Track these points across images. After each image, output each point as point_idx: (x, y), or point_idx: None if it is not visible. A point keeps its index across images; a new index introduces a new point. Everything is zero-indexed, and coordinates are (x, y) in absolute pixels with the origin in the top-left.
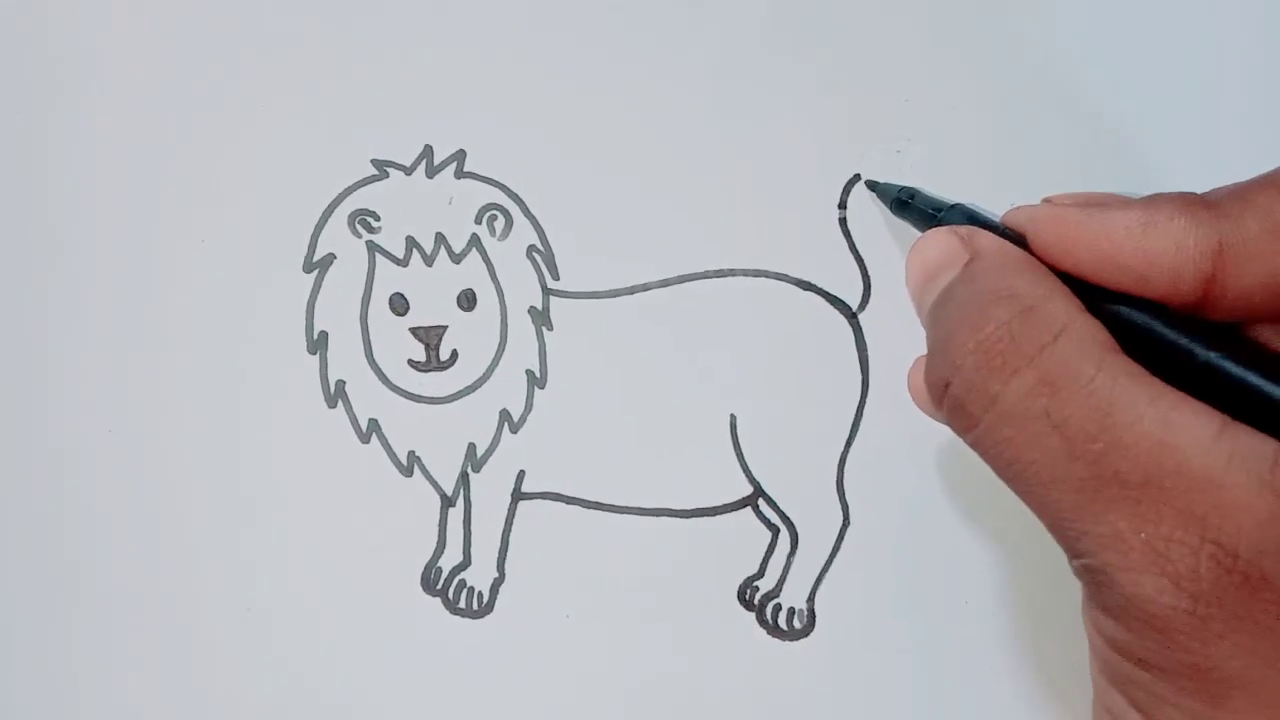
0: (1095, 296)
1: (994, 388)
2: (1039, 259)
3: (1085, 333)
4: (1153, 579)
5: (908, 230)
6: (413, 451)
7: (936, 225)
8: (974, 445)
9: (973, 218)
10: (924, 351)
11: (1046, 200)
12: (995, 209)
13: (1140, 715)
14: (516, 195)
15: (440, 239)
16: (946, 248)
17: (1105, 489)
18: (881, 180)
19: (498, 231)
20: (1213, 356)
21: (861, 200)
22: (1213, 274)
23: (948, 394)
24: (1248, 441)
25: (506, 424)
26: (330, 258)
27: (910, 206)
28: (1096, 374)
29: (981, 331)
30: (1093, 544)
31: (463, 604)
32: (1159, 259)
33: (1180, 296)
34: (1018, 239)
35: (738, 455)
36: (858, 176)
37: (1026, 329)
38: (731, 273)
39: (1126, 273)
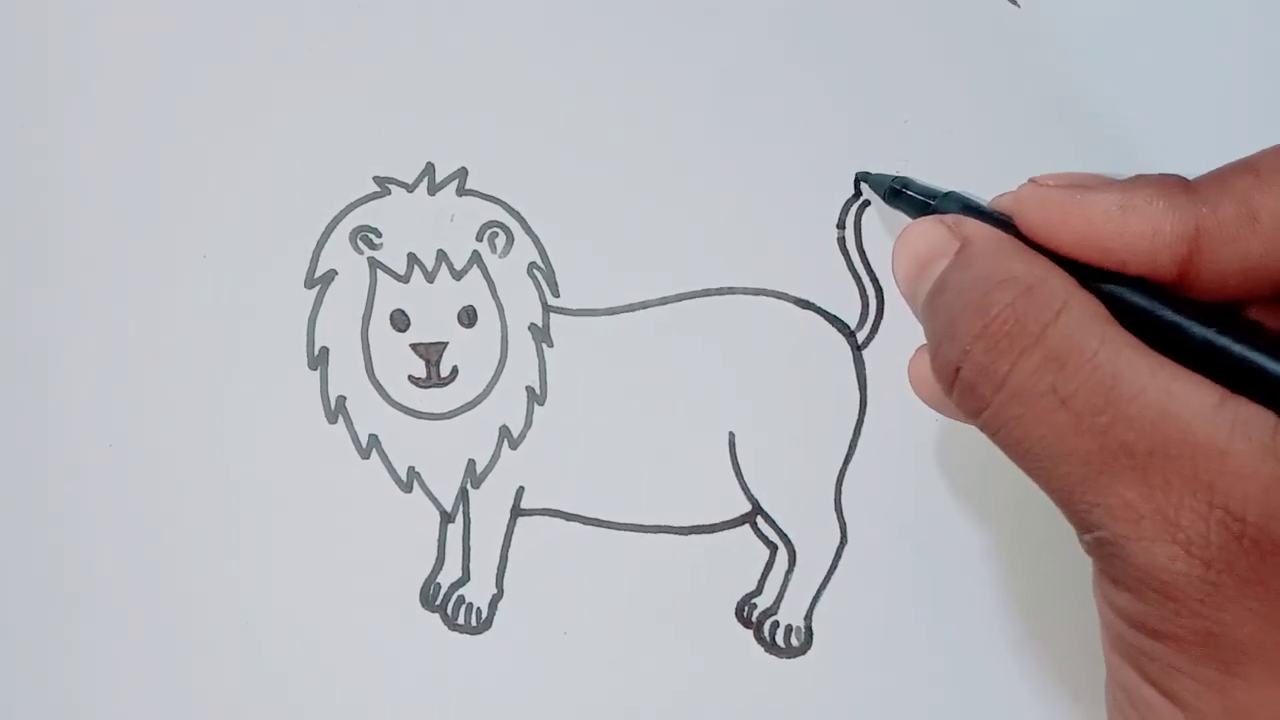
0: (1086, 275)
1: (1003, 368)
2: (1027, 241)
3: (1086, 308)
4: (1164, 546)
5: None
6: (412, 467)
7: (931, 214)
8: (984, 427)
9: (966, 205)
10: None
11: (1032, 181)
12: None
13: (1153, 688)
14: (518, 213)
15: (441, 256)
16: (935, 237)
17: (1113, 460)
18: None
19: (499, 249)
20: (1210, 333)
21: (861, 220)
22: (1189, 256)
23: (958, 378)
24: (1248, 410)
25: (506, 440)
26: (332, 274)
27: (903, 195)
28: (1100, 348)
29: (986, 314)
30: (1103, 516)
31: (461, 620)
32: (1136, 242)
33: (1157, 277)
34: (1006, 222)
35: (736, 473)
36: (857, 195)
37: (1030, 308)
38: (731, 291)
39: (1106, 254)
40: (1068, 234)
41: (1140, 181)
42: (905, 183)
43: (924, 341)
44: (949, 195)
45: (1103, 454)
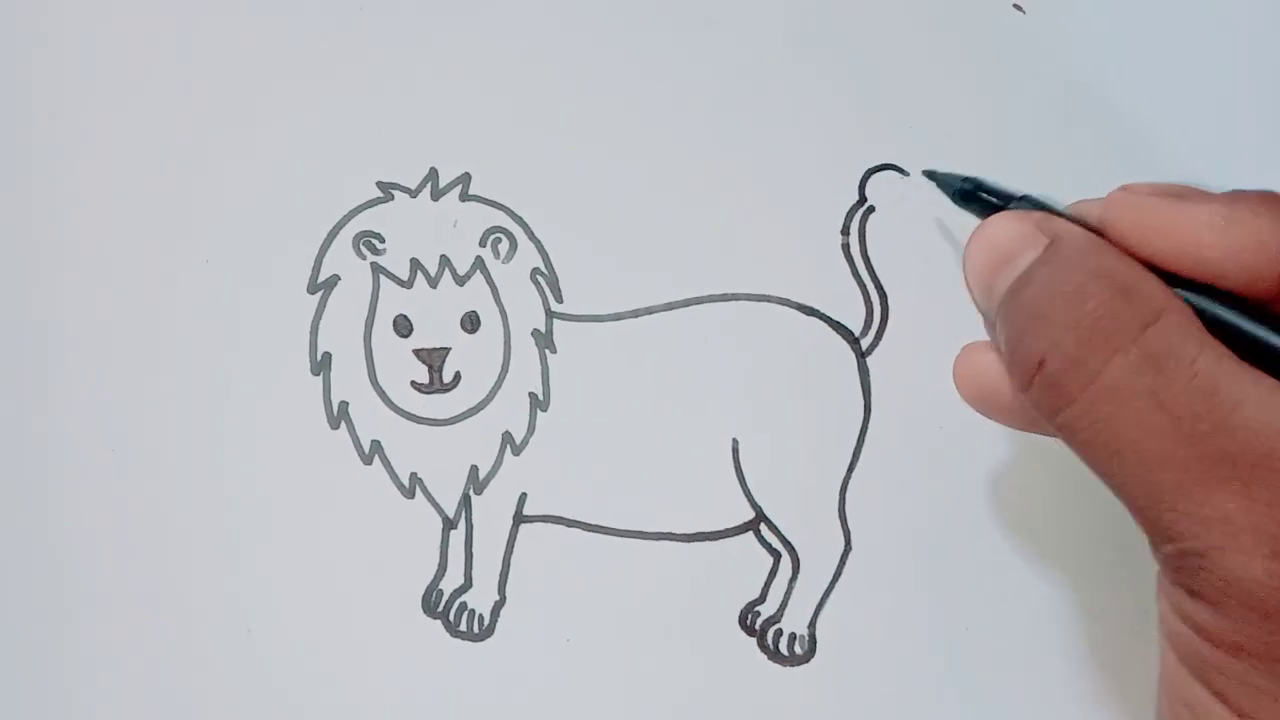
0: (1175, 284)
1: (1095, 364)
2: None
3: (1184, 314)
4: (1262, 561)
5: (913, 255)
6: (415, 473)
7: None
8: (1066, 424)
9: (1043, 209)
10: (924, 380)
11: (1125, 188)
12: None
13: (1225, 706)
14: (521, 218)
15: (444, 261)
16: (1020, 231)
17: (1213, 469)
18: (941, 170)
19: (502, 254)
20: None
21: (865, 226)
22: None
23: (1042, 371)
24: None
25: (509, 446)
26: (335, 279)
27: (975, 198)
28: (1199, 355)
29: (1082, 308)
30: (1194, 525)
31: (463, 627)
32: (1240, 254)
33: (1254, 292)
34: (1089, 228)
35: (740, 479)
36: (861, 202)
37: (1128, 307)
38: (735, 297)
39: (1205, 266)
40: (1164, 243)
41: (1242, 194)
42: (977, 184)
43: (939, 354)
44: (1024, 198)
45: (1201, 462)
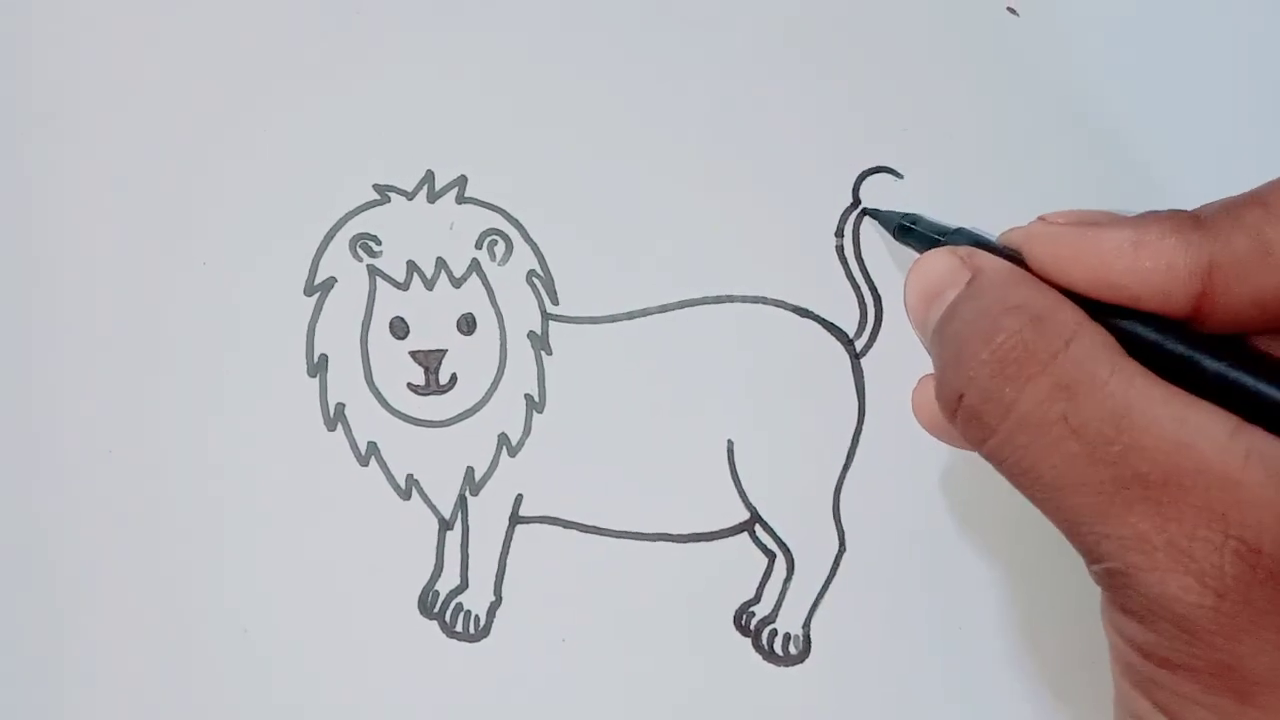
0: (1095, 310)
1: (1009, 395)
2: (1036, 276)
3: (1096, 338)
4: (1177, 578)
5: (907, 257)
6: (411, 475)
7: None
8: (990, 455)
9: (976, 241)
10: (920, 376)
11: (1041, 219)
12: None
13: (1165, 718)
14: (517, 221)
15: (441, 263)
16: (947, 267)
17: (1125, 490)
18: (883, 209)
19: (498, 256)
20: (1223, 365)
21: (859, 228)
22: (1202, 292)
23: (962, 406)
24: (1263, 440)
25: (505, 448)
26: (331, 281)
27: (913, 232)
28: (1110, 377)
29: (993, 341)
30: (1114, 546)
31: (459, 627)
32: (1150, 277)
33: (1170, 313)
34: (1015, 258)
35: (735, 481)
36: (855, 204)
37: (1038, 336)
38: (730, 299)
39: (1119, 291)
40: (1079, 270)
41: (1151, 218)
42: (914, 219)
43: (926, 364)
44: (958, 231)
45: (1115, 484)
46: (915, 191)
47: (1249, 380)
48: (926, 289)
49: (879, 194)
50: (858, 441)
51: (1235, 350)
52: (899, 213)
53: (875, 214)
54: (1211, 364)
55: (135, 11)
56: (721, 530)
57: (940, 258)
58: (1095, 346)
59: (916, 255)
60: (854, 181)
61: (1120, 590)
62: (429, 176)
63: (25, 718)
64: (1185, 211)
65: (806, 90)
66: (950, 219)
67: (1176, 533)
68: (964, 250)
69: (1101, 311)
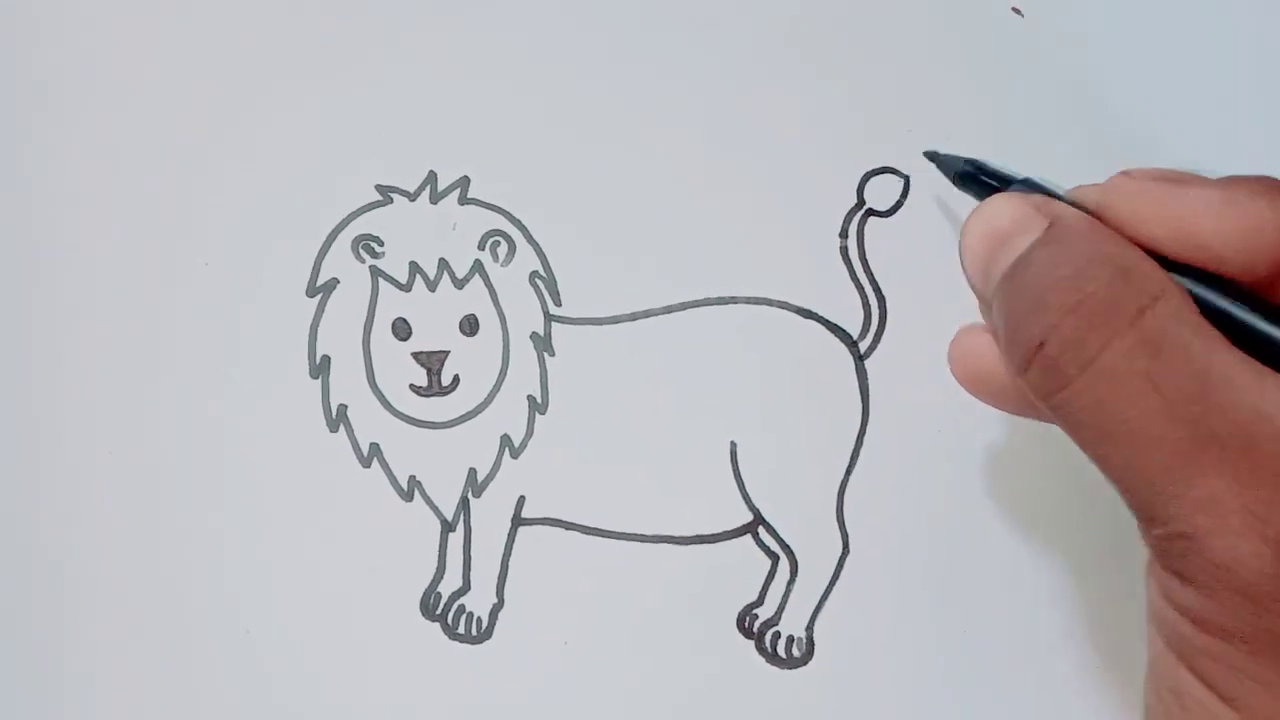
0: (1172, 269)
1: (1093, 347)
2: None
3: (1180, 298)
4: (1250, 544)
5: (911, 258)
6: (413, 476)
7: None
8: (1061, 405)
9: (1044, 191)
10: (923, 383)
11: (1124, 173)
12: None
13: (1211, 691)
14: (519, 221)
15: (443, 264)
16: (1020, 212)
17: (1204, 451)
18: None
19: (500, 257)
20: None
21: (864, 229)
22: None
23: (1041, 353)
24: None
25: (507, 449)
26: (333, 282)
27: (976, 180)
28: (1194, 339)
29: (1081, 290)
30: (1184, 508)
31: (462, 629)
32: (1236, 237)
33: (1252, 277)
34: (1089, 212)
35: (738, 482)
36: (859, 205)
37: (1126, 290)
38: (733, 300)
39: (1202, 250)
40: (1162, 228)
41: (1239, 179)
42: (979, 165)
43: (936, 357)
44: (1025, 181)
45: (1193, 443)
46: (917, 192)
47: None
48: (994, 231)
49: (880, 195)
50: (861, 443)
51: None
52: (962, 157)
53: (934, 157)
54: None
55: (135, 11)
56: (724, 532)
57: (1011, 201)
58: (1180, 307)
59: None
60: (858, 182)
61: (1181, 556)
62: (431, 177)
63: (27, 717)
64: (1273, 178)
65: (810, 91)
66: (952, 217)
67: (1253, 499)
68: (1037, 198)
69: (1180, 273)
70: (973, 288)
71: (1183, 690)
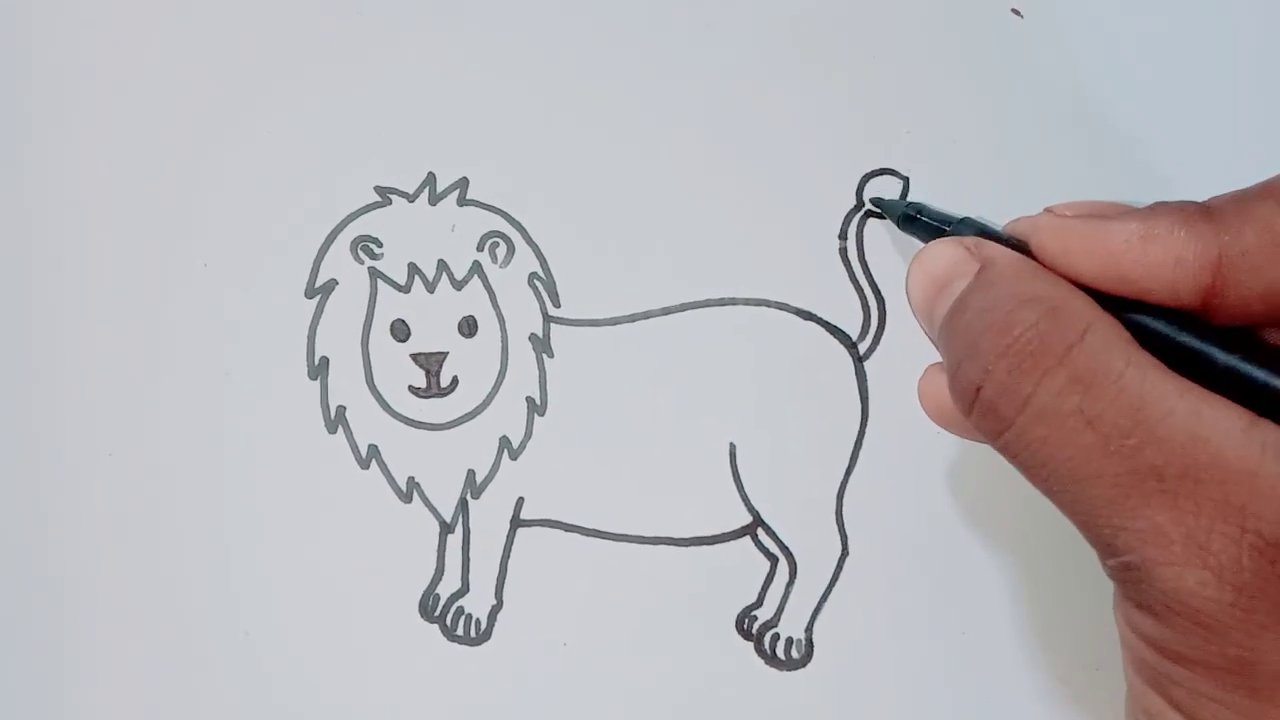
0: (1107, 304)
1: (1026, 389)
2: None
3: (1110, 330)
4: (1194, 572)
5: (912, 253)
6: (412, 478)
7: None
8: (1005, 448)
9: (982, 231)
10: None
11: (1048, 210)
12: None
13: (1180, 715)
14: (518, 223)
15: (442, 266)
16: (954, 257)
17: (1142, 483)
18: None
19: (499, 259)
20: (1234, 359)
21: (863, 230)
22: (1211, 285)
23: (979, 399)
24: (1278, 433)
25: (506, 451)
26: (332, 283)
27: (918, 222)
28: (1125, 369)
29: (1010, 334)
30: (1131, 540)
31: (460, 631)
32: (1158, 271)
33: (1179, 305)
34: (1021, 249)
35: (737, 484)
36: (859, 206)
37: (1054, 329)
38: (732, 301)
39: (1127, 283)
40: (1088, 263)
41: (1160, 209)
42: (919, 209)
43: (932, 358)
44: (964, 221)
45: (1131, 476)
46: (917, 195)
47: (1261, 374)
48: (933, 279)
49: (881, 195)
50: (861, 444)
51: (1246, 343)
52: (903, 201)
53: (879, 203)
54: (1223, 358)
55: (135, 12)
56: (723, 534)
57: (946, 247)
58: (1110, 339)
59: (920, 246)
60: (857, 183)
61: (1135, 585)
62: (430, 178)
63: (25, 718)
64: (1194, 203)
65: (810, 92)
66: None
67: (1193, 526)
68: (970, 240)
69: (1113, 305)
70: (924, 332)
71: (1155, 712)
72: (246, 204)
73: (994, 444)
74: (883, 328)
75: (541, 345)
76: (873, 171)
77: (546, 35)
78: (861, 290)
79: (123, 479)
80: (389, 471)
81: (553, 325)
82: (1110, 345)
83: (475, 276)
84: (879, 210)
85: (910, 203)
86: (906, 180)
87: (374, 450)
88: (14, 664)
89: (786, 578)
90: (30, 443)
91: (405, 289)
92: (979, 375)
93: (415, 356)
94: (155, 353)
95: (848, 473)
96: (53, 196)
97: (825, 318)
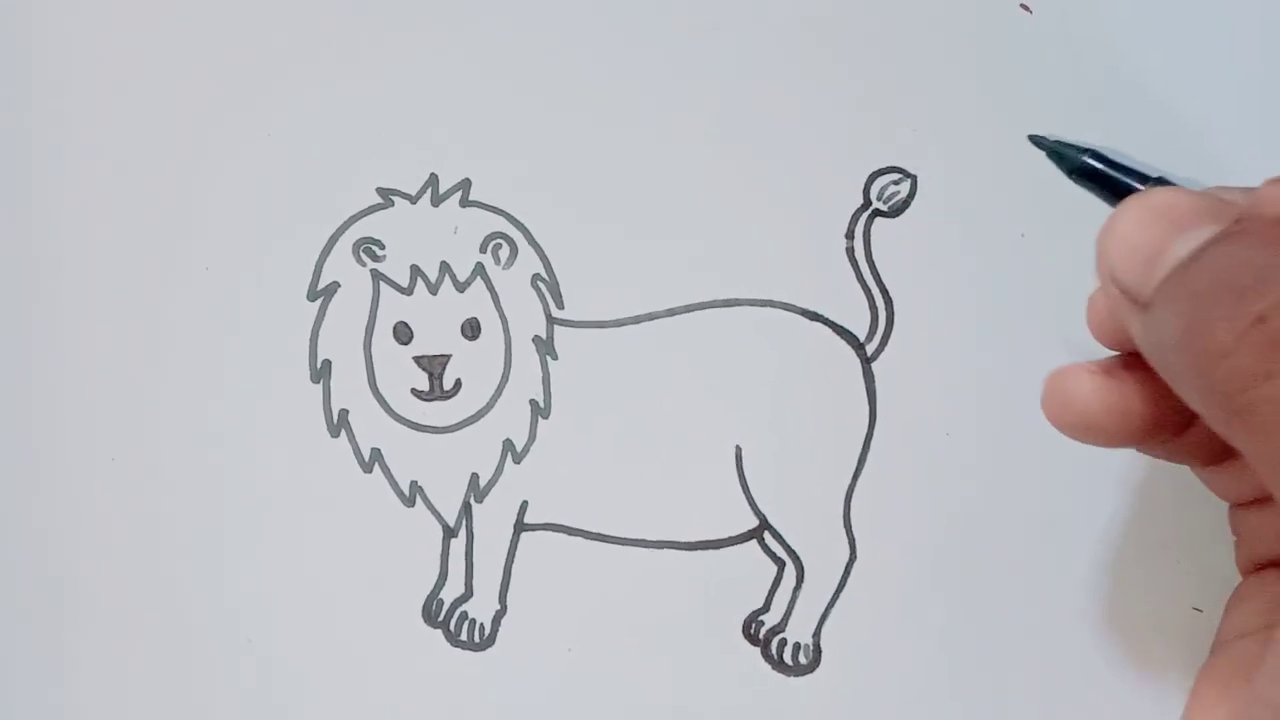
0: None
1: None
2: None
3: None
4: None
5: (919, 259)
6: (415, 481)
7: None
8: (1257, 401)
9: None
10: (930, 386)
11: (1270, 181)
12: (1002, 237)
13: None
14: (521, 224)
15: (445, 268)
16: (1201, 205)
17: None
18: (1051, 138)
19: (502, 260)
20: None
21: (870, 230)
22: None
23: (1262, 326)
24: None
25: (510, 454)
26: (334, 286)
27: (1100, 175)
28: None
29: None
30: None
31: (464, 636)
32: None
33: None
34: None
35: (743, 487)
36: (865, 205)
37: None
38: (738, 302)
39: None
40: None
41: None
42: (1102, 157)
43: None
44: (1160, 180)
45: None
46: (922, 192)
47: None
48: (1171, 224)
49: (886, 195)
50: (869, 447)
51: None
52: (1081, 145)
53: (1042, 144)
54: None
55: (136, 13)
56: (730, 538)
57: (1185, 195)
58: None
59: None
60: (864, 182)
61: None
62: (433, 180)
63: None
64: None
65: (816, 90)
66: (960, 218)
67: None
68: (1218, 189)
69: None
70: (1119, 284)
71: None
72: (248, 206)
73: (1239, 397)
74: (890, 328)
75: (545, 347)
76: (879, 170)
77: (549, 35)
78: (869, 290)
79: (125, 484)
80: (392, 475)
81: (556, 327)
82: None
83: (478, 278)
84: (1052, 150)
85: (1089, 149)
86: (914, 178)
87: (377, 454)
88: (17, 670)
89: (794, 582)
90: (33, 448)
91: (408, 291)
92: (1267, 305)
93: (418, 359)
94: (156, 356)
95: (855, 475)
96: (54, 200)
97: (832, 318)
